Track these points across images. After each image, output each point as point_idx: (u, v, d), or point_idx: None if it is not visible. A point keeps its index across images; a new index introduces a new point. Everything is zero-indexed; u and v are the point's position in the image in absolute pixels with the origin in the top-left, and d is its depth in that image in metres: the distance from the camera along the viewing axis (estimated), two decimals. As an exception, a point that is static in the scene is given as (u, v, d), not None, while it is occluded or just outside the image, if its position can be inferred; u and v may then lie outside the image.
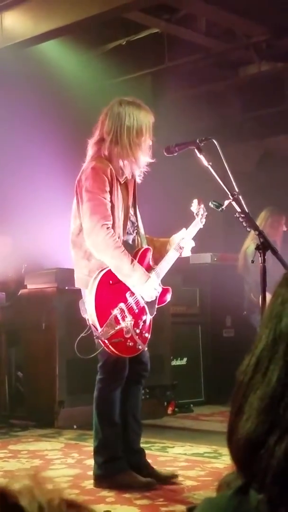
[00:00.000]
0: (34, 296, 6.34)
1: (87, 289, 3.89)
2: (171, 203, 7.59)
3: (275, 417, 0.80)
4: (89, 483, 4.06)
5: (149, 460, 4.22)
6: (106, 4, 6.68)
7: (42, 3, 7.02)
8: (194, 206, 4.28)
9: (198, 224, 4.24)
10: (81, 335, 3.96)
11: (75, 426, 5.85)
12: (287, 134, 9.33)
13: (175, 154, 4.00)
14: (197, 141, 3.85)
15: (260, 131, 8.97)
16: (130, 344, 3.92)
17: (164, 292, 4.11)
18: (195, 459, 4.70)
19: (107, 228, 3.84)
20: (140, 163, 3.99)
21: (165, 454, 4.94)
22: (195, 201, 4.29)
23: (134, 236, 4.13)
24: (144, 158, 4.00)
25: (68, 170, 7.18)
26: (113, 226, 3.91)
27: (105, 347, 3.86)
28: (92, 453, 4.12)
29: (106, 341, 3.82)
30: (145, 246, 4.14)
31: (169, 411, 6.66)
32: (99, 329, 3.81)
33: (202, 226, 4.26)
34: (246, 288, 6.77)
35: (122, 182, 4.00)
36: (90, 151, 4.05)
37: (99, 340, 3.85)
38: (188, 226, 4.25)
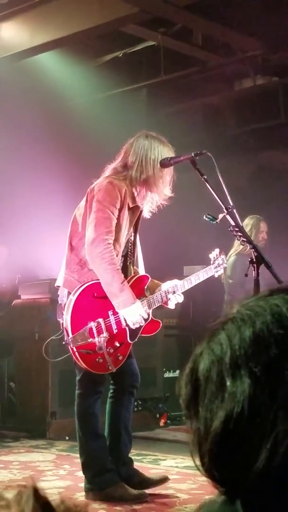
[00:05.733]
0: (28, 307, 6.34)
1: (71, 292, 3.92)
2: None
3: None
4: (81, 495, 4.05)
5: (141, 472, 4.22)
6: (102, 17, 6.71)
7: (39, 15, 7.06)
8: (214, 254, 4.26)
9: (210, 271, 4.19)
10: (51, 337, 3.98)
11: (67, 438, 5.84)
12: (281, 149, 9.37)
13: (171, 167, 4.02)
14: (193, 154, 3.86)
15: (254, 145, 9.01)
16: (100, 360, 3.89)
17: (154, 324, 4.09)
18: (187, 472, 4.68)
19: (108, 243, 3.86)
20: (160, 195, 4.04)
21: (157, 467, 4.93)
22: (217, 250, 4.27)
23: (128, 265, 4.15)
24: (165, 191, 4.04)
25: (63, 181, 7.22)
26: (114, 243, 3.93)
27: (72, 354, 3.87)
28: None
29: (74, 348, 3.83)
30: (143, 273, 4.16)
31: (161, 423, 6.65)
32: (70, 335, 3.83)
33: (215, 276, 4.23)
34: (225, 298, 6.73)
35: (131, 206, 4.02)
36: (108, 172, 4.07)
37: (68, 347, 3.87)
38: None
